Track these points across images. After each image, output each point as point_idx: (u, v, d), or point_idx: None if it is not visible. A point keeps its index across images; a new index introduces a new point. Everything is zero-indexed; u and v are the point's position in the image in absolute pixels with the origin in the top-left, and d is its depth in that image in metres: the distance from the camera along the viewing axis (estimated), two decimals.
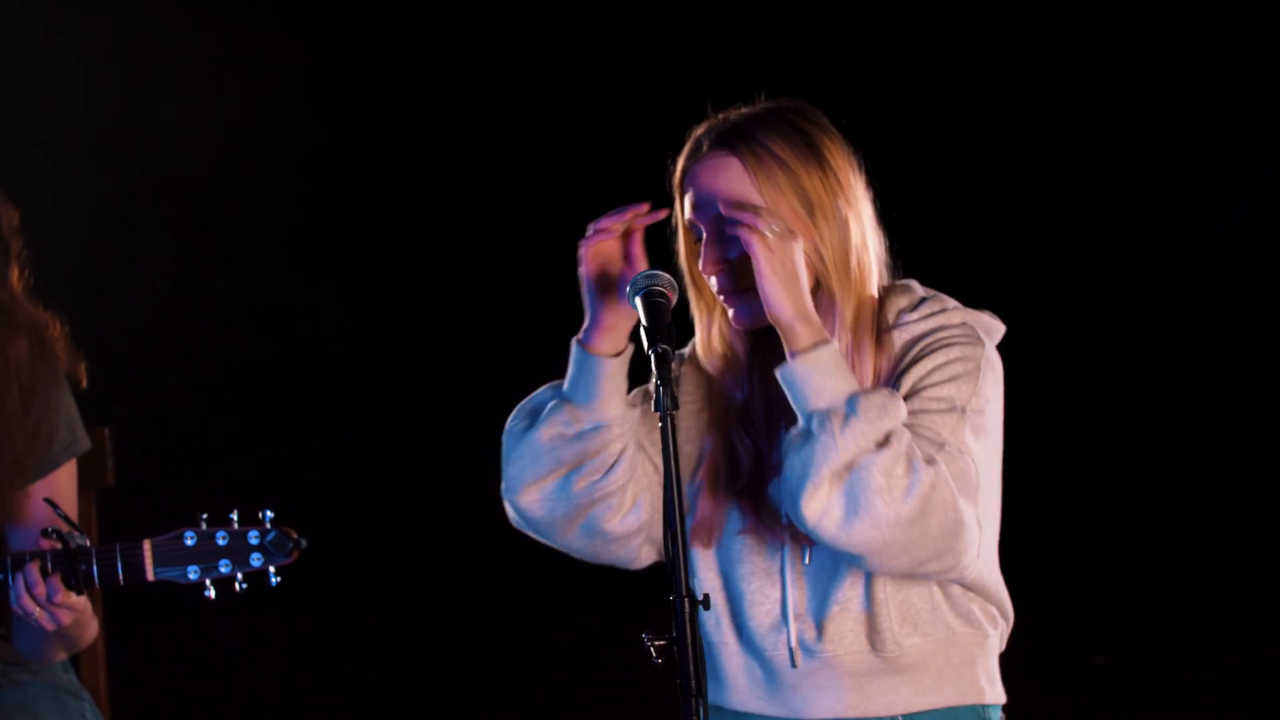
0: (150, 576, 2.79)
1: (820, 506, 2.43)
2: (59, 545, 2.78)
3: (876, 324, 2.65)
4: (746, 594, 2.63)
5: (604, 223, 2.57)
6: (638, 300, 2.59)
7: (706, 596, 2.49)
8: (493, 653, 5.83)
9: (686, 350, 2.83)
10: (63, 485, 2.97)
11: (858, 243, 2.64)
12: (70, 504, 2.98)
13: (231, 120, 6.15)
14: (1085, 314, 5.99)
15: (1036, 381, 5.91)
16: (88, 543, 2.81)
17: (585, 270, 2.57)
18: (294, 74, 6.20)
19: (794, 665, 2.59)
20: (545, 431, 2.60)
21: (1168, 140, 5.92)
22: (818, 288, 2.61)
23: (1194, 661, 5.63)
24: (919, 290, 2.73)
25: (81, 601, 2.82)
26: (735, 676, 2.66)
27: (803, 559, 2.60)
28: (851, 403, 2.46)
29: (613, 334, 2.58)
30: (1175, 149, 5.92)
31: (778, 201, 2.65)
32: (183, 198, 6.10)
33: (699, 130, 2.68)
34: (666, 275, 2.62)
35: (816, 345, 2.50)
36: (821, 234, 2.65)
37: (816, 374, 2.48)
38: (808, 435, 2.46)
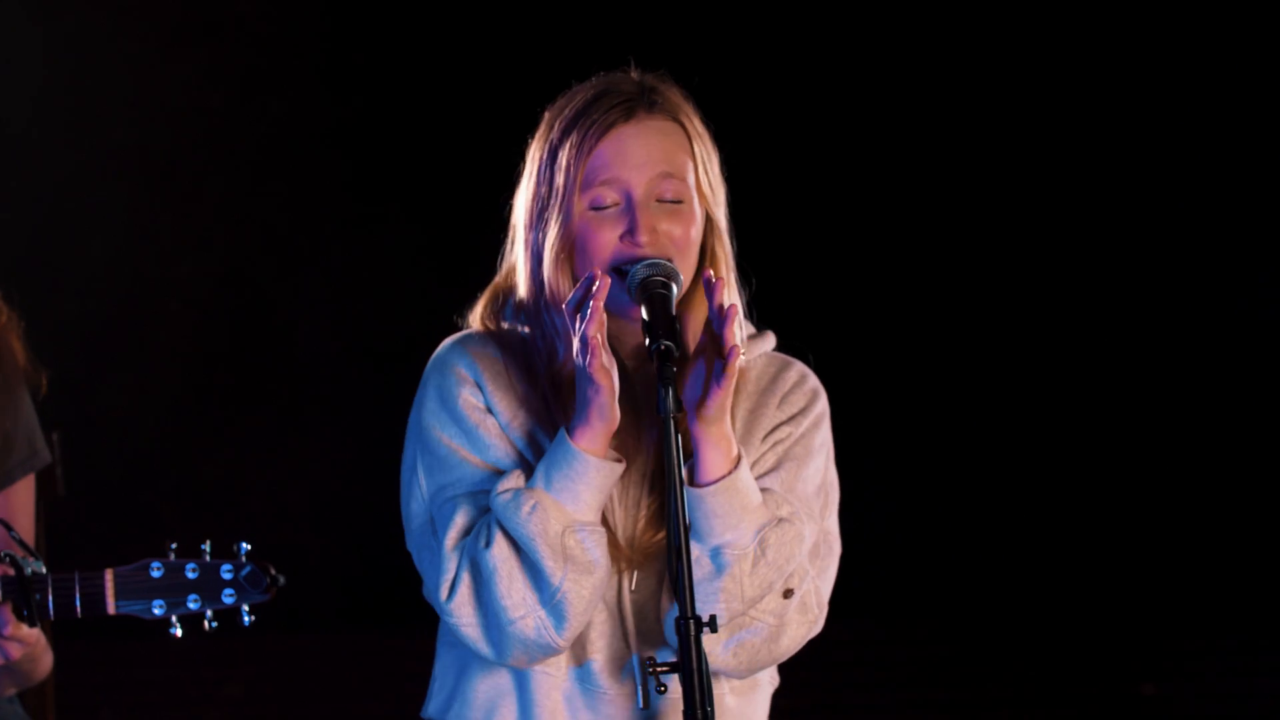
0: (111, 610, 2.73)
1: (712, 642, 2.63)
2: (11, 571, 2.71)
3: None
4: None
5: (592, 326, 2.53)
6: (637, 292, 2.63)
7: (713, 618, 2.53)
8: None
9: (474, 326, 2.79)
10: (18, 503, 2.93)
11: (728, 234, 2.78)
12: (26, 524, 2.93)
13: (194, 92, 6.10)
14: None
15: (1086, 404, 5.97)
16: (44, 569, 2.76)
17: (604, 363, 2.55)
18: (264, 42, 6.11)
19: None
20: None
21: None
22: (698, 269, 2.71)
23: (1245, 692, 5.71)
24: None
25: (34, 634, 2.76)
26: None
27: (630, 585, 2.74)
28: (761, 542, 2.61)
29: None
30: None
31: (703, 181, 2.74)
32: (139, 177, 5.94)
33: (609, 91, 2.69)
34: (668, 263, 2.65)
35: (737, 466, 2.61)
36: (718, 214, 2.74)
37: (737, 505, 2.60)
38: (718, 569, 2.60)
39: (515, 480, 2.65)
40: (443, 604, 2.66)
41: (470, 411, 2.72)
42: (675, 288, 2.61)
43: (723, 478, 2.61)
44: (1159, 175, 5.95)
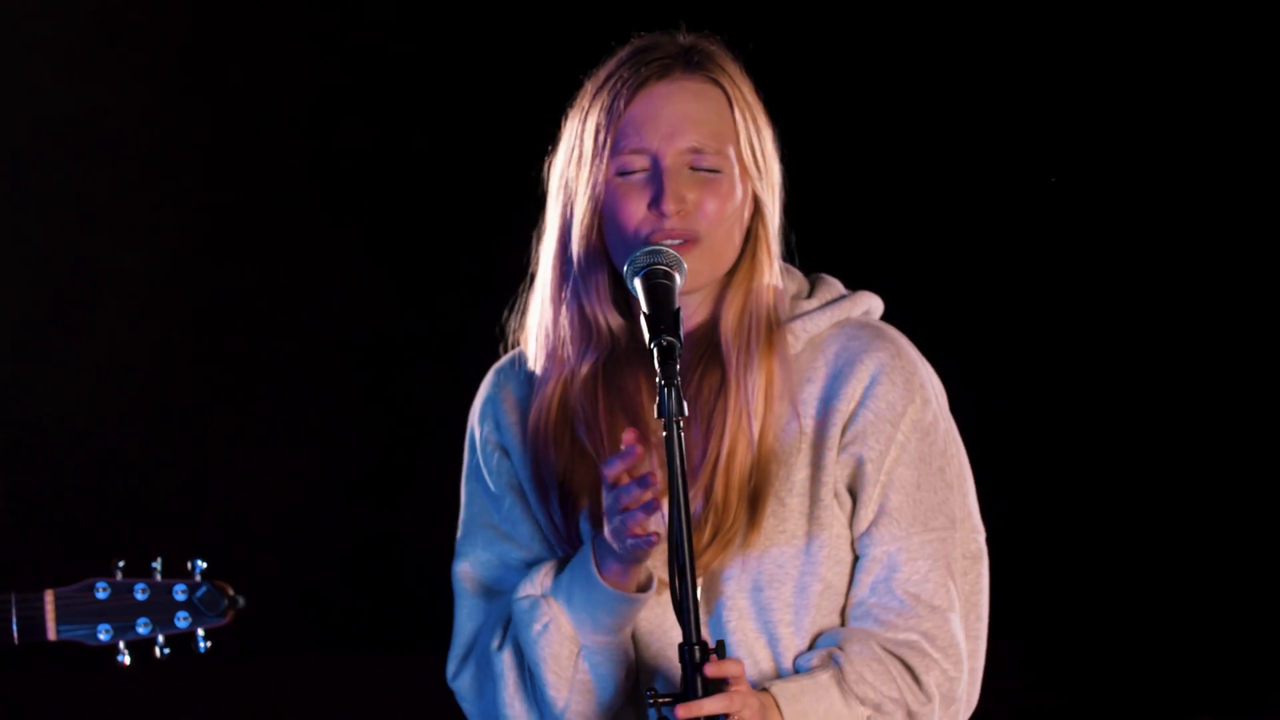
0: (52, 635, 2.73)
1: None
2: None
3: (771, 314, 2.73)
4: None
5: (640, 516, 2.54)
6: (637, 282, 2.60)
7: (721, 644, 2.51)
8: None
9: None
10: None
11: (777, 217, 2.75)
12: None
13: (143, 64, 6.06)
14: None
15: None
16: None
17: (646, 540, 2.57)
18: (222, 11, 6.14)
19: None
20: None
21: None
22: (742, 253, 2.72)
23: None
24: (797, 271, 2.82)
25: None
26: None
27: None
28: None
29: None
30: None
31: (746, 154, 2.71)
32: (83, 156, 5.89)
33: (648, 48, 2.71)
34: (671, 252, 2.63)
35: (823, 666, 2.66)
36: (764, 194, 2.72)
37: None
38: None
39: (535, 585, 2.70)
40: (448, 677, 2.78)
41: (491, 465, 2.80)
42: (679, 277, 2.59)
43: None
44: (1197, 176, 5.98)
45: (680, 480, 2.47)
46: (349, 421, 6.06)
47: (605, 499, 2.57)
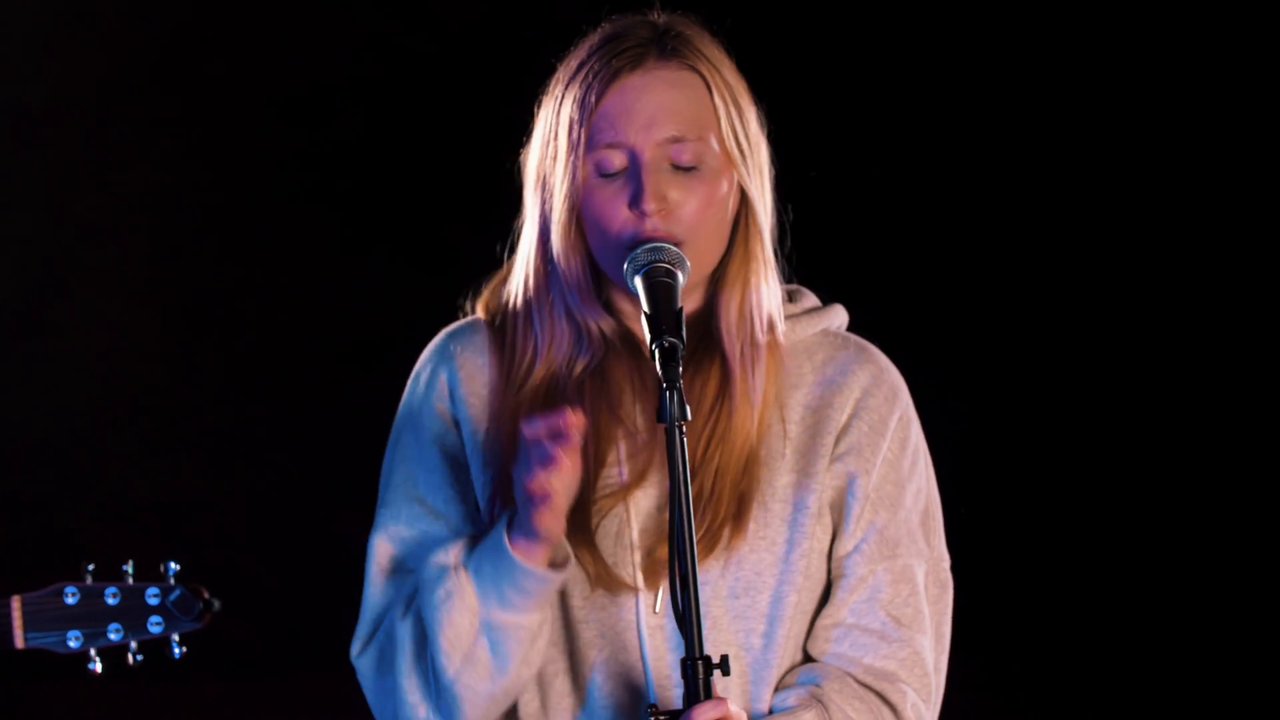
0: (19, 644, 2.76)
1: None
2: None
3: (774, 310, 2.74)
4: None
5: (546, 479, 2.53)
6: (638, 280, 2.59)
7: (725, 658, 2.49)
8: None
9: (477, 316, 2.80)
10: None
11: (769, 204, 2.73)
12: None
13: (118, 48, 5.99)
14: None
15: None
16: None
17: (557, 504, 2.56)
18: None
19: None
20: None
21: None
22: (732, 245, 2.70)
23: None
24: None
25: None
26: None
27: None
28: None
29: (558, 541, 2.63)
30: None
31: (729, 142, 2.69)
32: (54, 145, 5.91)
33: (620, 35, 2.68)
34: (674, 249, 2.61)
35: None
36: (750, 183, 2.70)
37: None
38: None
39: (449, 555, 2.66)
40: (352, 654, 2.77)
41: (433, 433, 2.73)
42: (682, 275, 2.57)
43: None
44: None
45: (683, 488, 2.46)
46: (334, 425, 6.05)
47: (517, 458, 2.55)
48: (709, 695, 2.47)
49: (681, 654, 2.51)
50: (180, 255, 6.01)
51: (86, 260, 5.95)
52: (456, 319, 2.86)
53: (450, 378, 2.76)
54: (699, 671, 2.47)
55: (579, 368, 2.70)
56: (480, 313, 2.80)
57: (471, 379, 2.75)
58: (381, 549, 2.79)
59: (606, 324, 2.70)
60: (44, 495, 5.80)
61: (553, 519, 2.54)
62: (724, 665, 2.48)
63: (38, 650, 2.74)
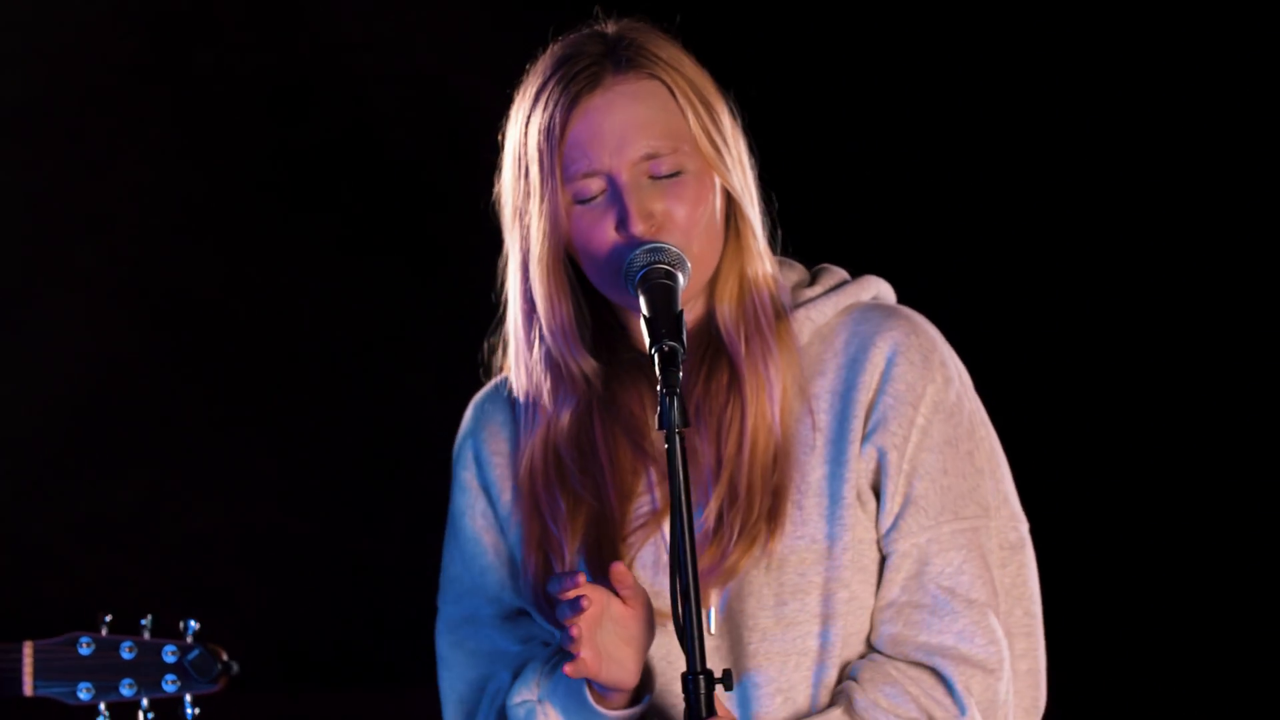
0: (28, 691, 2.78)
1: None
2: None
3: (775, 300, 2.74)
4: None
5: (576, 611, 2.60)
6: (636, 284, 2.62)
7: (727, 673, 2.51)
8: None
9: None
10: None
11: (754, 195, 2.74)
12: None
13: (99, 38, 6.01)
14: None
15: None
16: None
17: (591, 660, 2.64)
18: None
19: None
20: None
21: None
22: (725, 243, 2.74)
23: None
24: (797, 263, 2.84)
25: None
26: None
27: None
28: None
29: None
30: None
31: (703, 141, 2.71)
32: (26, 139, 5.93)
33: (572, 56, 2.69)
34: (674, 249, 2.64)
35: None
36: (732, 179, 2.73)
37: None
38: None
39: (532, 688, 2.78)
40: None
41: (464, 505, 2.83)
42: (682, 277, 2.60)
43: None
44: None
45: (683, 497, 2.48)
46: (323, 430, 6.07)
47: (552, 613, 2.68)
48: (711, 711, 2.49)
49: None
50: (163, 254, 6.03)
51: (67, 261, 5.97)
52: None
53: (475, 444, 2.84)
54: (699, 686, 2.50)
55: (566, 415, 2.74)
56: (506, 368, 2.86)
57: (494, 438, 2.82)
58: (441, 637, 2.94)
59: (588, 365, 2.72)
60: (19, 503, 5.82)
61: (594, 659, 2.64)
62: (726, 680, 2.50)
63: (45, 699, 2.74)
